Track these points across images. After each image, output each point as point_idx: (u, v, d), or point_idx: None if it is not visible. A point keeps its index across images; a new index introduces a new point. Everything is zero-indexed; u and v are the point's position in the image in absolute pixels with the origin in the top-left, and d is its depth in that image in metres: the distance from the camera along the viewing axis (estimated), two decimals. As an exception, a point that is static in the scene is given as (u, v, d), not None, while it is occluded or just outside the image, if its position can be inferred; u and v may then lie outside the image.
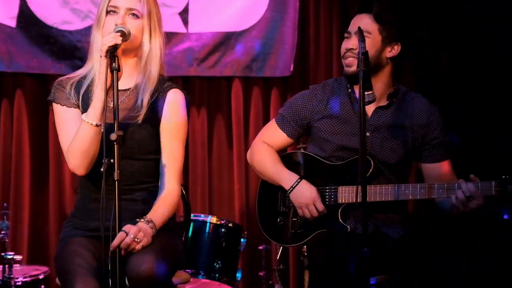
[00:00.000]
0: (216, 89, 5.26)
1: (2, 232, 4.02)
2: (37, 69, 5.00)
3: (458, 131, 4.47)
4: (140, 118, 2.80)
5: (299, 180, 3.26)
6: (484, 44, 4.83)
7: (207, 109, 5.22)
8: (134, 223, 2.65)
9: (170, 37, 5.00)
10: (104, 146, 2.51)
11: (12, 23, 4.93)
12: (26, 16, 4.94)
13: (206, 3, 5.13)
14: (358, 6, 3.28)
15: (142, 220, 2.68)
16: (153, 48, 2.84)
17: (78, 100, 2.82)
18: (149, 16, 2.83)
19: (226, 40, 5.15)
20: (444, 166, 3.30)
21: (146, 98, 2.82)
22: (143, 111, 2.80)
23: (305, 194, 3.21)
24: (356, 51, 3.13)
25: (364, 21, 3.19)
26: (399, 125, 3.26)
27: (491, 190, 2.98)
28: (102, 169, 2.53)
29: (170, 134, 2.86)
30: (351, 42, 3.22)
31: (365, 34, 2.96)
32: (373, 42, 3.17)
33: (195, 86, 5.21)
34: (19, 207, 4.93)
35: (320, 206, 3.18)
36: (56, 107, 2.85)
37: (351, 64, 3.21)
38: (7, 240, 4.04)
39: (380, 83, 3.23)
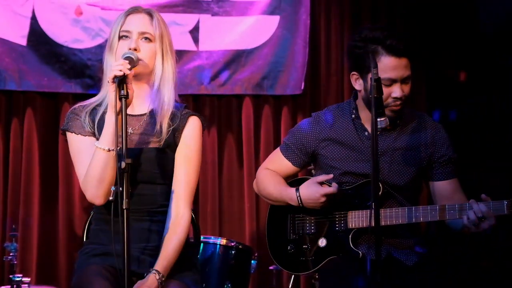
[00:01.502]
0: (226, 107, 5.24)
1: (11, 254, 4.00)
2: (47, 88, 5.00)
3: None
4: (161, 143, 2.79)
5: (297, 191, 3.22)
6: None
7: (218, 127, 5.20)
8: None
9: (180, 56, 4.99)
10: (118, 173, 2.47)
11: (23, 42, 4.94)
12: (36, 34, 4.95)
13: (216, 21, 5.12)
14: (390, 47, 3.08)
15: (152, 272, 2.67)
16: (165, 70, 2.83)
17: (94, 128, 2.80)
18: (161, 39, 2.82)
19: (236, 58, 5.14)
20: (453, 184, 3.27)
21: (165, 123, 2.81)
22: (164, 136, 2.80)
23: (311, 197, 3.18)
24: (404, 98, 3.12)
25: (406, 65, 3.10)
26: (406, 147, 3.23)
27: (503, 210, 2.96)
28: (111, 198, 2.53)
29: (184, 160, 2.85)
30: (399, 90, 3.10)
31: (409, 79, 3.08)
32: (411, 83, 3.15)
33: (205, 104, 5.20)
34: (28, 228, 4.91)
35: (329, 190, 3.14)
36: (71, 136, 2.82)
37: (401, 110, 3.15)
38: (15, 262, 4.02)
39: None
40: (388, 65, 3.06)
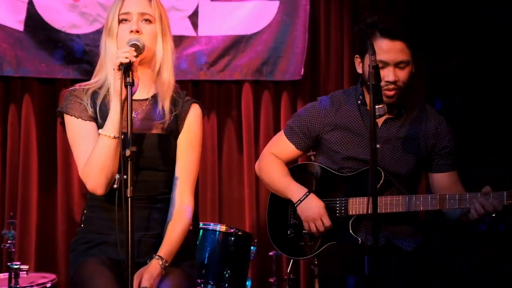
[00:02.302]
0: (226, 93, 5.22)
1: (9, 241, 3.98)
2: (45, 74, 4.96)
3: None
4: (164, 128, 2.76)
5: (307, 193, 3.22)
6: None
7: (217, 113, 5.18)
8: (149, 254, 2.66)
9: (179, 41, 4.98)
10: (122, 161, 2.41)
11: (20, 27, 4.90)
12: (34, 20, 4.91)
13: (216, 7, 5.09)
14: (383, 28, 3.07)
15: (155, 257, 2.65)
16: (166, 52, 2.79)
17: (95, 112, 2.73)
18: (160, 19, 2.78)
19: (236, 44, 5.11)
20: (453, 176, 3.27)
21: (167, 106, 2.78)
22: (167, 120, 2.76)
23: (312, 209, 3.18)
24: (399, 84, 3.09)
25: (401, 50, 3.06)
26: (409, 136, 3.22)
27: (503, 201, 2.95)
28: (115, 186, 2.48)
29: (187, 148, 2.83)
30: (392, 75, 3.07)
31: (405, 64, 3.04)
32: (410, 69, 3.12)
33: (205, 90, 5.17)
34: (27, 215, 4.90)
35: (327, 222, 3.15)
36: (70, 119, 2.73)
37: (394, 95, 3.12)
38: (13, 250, 4.01)
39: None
40: (381, 47, 3.03)
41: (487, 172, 4.79)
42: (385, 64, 3.07)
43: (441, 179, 3.26)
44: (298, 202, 3.22)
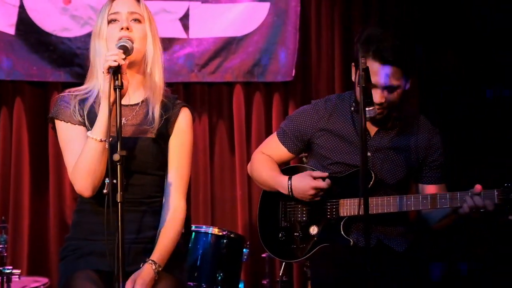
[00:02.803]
0: (217, 94, 5.23)
1: (0, 246, 3.97)
2: (36, 77, 4.97)
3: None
4: (154, 132, 2.75)
5: (289, 180, 3.22)
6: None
7: (208, 115, 5.19)
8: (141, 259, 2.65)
9: (170, 43, 4.99)
10: (109, 166, 2.41)
11: (11, 31, 4.90)
12: (25, 23, 4.91)
13: (206, 8, 5.09)
14: (375, 52, 3.02)
15: (148, 262, 2.64)
16: (156, 53, 2.78)
17: (84, 118, 2.73)
18: (149, 21, 2.78)
19: (227, 46, 5.12)
20: (440, 189, 3.28)
21: (157, 110, 2.77)
22: (156, 125, 2.76)
23: (302, 188, 3.18)
24: (385, 104, 3.07)
25: (392, 74, 3.03)
26: (401, 147, 3.23)
27: (494, 199, 2.97)
28: (105, 191, 2.47)
29: (179, 151, 2.83)
30: (378, 97, 3.04)
31: (394, 88, 3.03)
32: (401, 91, 3.10)
33: (196, 92, 5.18)
34: (19, 218, 4.90)
35: (320, 184, 3.14)
36: (60, 124, 2.74)
37: (380, 114, 3.09)
38: (5, 254, 3.99)
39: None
40: (372, 69, 2.96)
41: (487, 173, 4.81)
42: (374, 85, 3.02)
43: (429, 191, 3.27)
44: (289, 190, 3.22)
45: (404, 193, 3.27)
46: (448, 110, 5.07)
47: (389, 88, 3.07)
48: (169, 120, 2.82)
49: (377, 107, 3.04)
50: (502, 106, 4.97)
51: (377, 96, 3.05)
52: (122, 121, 2.68)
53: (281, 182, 3.26)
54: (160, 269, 2.64)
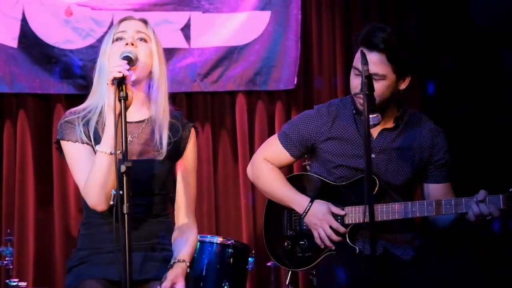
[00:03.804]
0: (219, 104, 5.24)
1: (6, 259, 3.98)
2: (39, 89, 4.99)
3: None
4: (162, 157, 2.75)
5: (311, 203, 3.22)
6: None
7: (211, 124, 5.20)
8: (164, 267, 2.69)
9: (172, 53, 5.00)
10: (117, 177, 2.41)
11: (14, 44, 4.92)
12: (27, 36, 4.93)
13: (207, 18, 5.11)
14: (362, 39, 3.09)
15: (181, 261, 2.69)
16: (162, 74, 2.78)
17: (90, 138, 2.73)
18: (156, 42, 2.79)
19: (228, 55, 5.13)
20: (446, 188, 3.28)
21: (165, 134, 2.77)
22: (164, 149, 2.76)
23: (318, 216, 3.18)
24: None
25: (376, 62, 3.03)
26: (405, 147, 3.23)
27: (499, 204, 2.96)
28: (111, 202, 2.47)
29: (187, 172, 2.88)
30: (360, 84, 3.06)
31: (379, 77, 2.99)
32: (388, 83, 3.09)
33: (198, 101, 5.19)
34: (24, 230, 4.90)
35: (335, 224, 3.15)
36: (67, 144, 2.74)
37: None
38: (11, 267, 4.01)
39: (390, 110, 3.19)
40: (358, 56, 3.00)
41: (488, 174, 4.82)
42: (360, 72, 3.02)
43: (435, 190, 3.27)
44: (304, 214, 3.23)
45: (410, 195, 3.28)
46: (448, 112, 5.08)
47: (374, 76, 2.98)
48: (179, 143, 2.84)
49: (360, 95, 3.03)
50: (502, 106, 4.98)
51: (358, 81, 3.03)
52: (129, 138, 2.70)
53: (298, 201, 3.25)
54: (188, 264, 2.70)
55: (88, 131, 2.74)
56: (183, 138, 2.85)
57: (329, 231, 3.15)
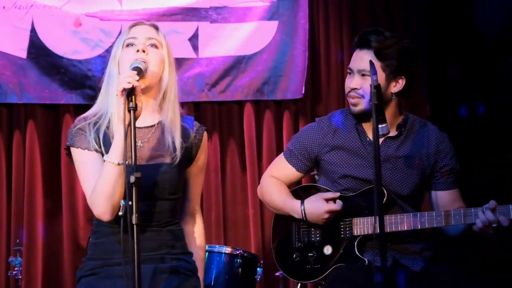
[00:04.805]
0: (227, 113, 5.24)
1: (16, 269, 3.99)
2: (48, 100, 5.00)
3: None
4: (176, 160, 2.75)
5: (302, 204, 3.23)
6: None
7: (219, 134, 5.20)
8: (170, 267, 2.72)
9: (180, 63, 5.01)
10: (127, 188, 2.40)
11: (23, 55, 4.95)
12: (36, 47, 4.96)
13: (215, 28, 5.13)
14: (356, 40, 3.20)
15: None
16: (171, 81, 2.77)
17: (99, 145, 2.71)
18: (167, 48, 2.78)
19: (236, 64, 5.14)
20: (454, 194, 3.27)
21: (177, 139, 2.76)
22: (178, 154, 2.75)
23: (316, 211, 3.18)
24: (360, 91, 3.13)
25: (365, 59, 3.07)
26: (409, 155, 3.22)
27: (509, 215, 2.96)
28: (120, 213, 2.47)
29: (198, 173, 2.90)
30: (354, 81, 3.16)
31: (367, 73, 3.00)
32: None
33: (206, 111, 5.20)
34: (33, 241, 4.91)
35: (333, 207, 3.15)
36: (76, 151, 2.73)
37: (357, 103, 3.17)
38: (20, 277, 4.02)
39: (387, 116, 3.18)
40: (352, 56, 3.17)
41: (488, 174, 4.83)
42: (351, 71, 3.17)
43: (442, 197, 3.26)
44: (303, 215, 3.23)
45: (418, 203, 3.27)
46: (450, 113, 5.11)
47: (363, 73, 3.09)
48: (190, 148, 2.83)
49: (352, 93, 3.16)
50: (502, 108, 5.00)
51: (353, 81, 3.16)
52: (139, 144, 2.70)
53: (294, 207, 3.26)
54: None
55: (99, 138, 2.73)
56: (195, 143, 2.84)
57: (332, 216, 3.17)
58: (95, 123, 2.76)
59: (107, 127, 2.74)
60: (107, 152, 2.65)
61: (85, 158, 2.72)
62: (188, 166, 2.84)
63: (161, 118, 2.80)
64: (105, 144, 2.71)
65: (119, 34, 3.00)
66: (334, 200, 3.19)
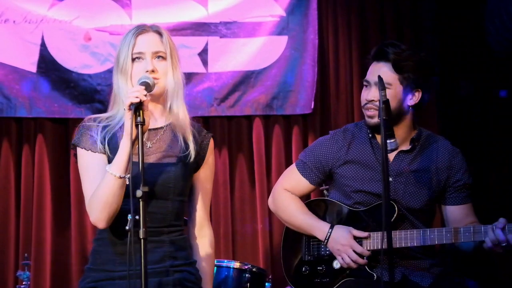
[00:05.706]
0: (236, 128, 5.24)
1: (24, 283, 3.99)
2: (58, 114, 5.02)
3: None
4: (192, 158, 2.77)
5: (331, 229, 3.21)
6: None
7: (228, 149, 5.20)
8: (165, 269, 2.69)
9: (190, 78, 5.01)
10: (132, 202, 2.38)
11: (33, 69, 4.97)
12: (46, 61, 4.98)
13: (225, 43, 5.14)
14: (373, 52, 3.22)
15: None
16: (177, 84, 2.77)
17: (104, 146, 2.72)
18: (171, 55, 2.79)
19: (245, 79, 5.15)
20: (466, 209, 3.27)
21: (189, 138, 2.78)
22: (192, 150, 2.77)
23: (341, 241, 3.17)
24: (377, 103, 3.10)
25: (383, 71, 3.11)
26: (422, 169, 3.22)
27: None
28: (127, 227, 2.42)
29: (205, 181, 2.89)
30: (371, 94, 3.17)
31: (385, 85, 2.94)
32: (394, 93, 3.13)
33: (215, 125, 5.20)
34: (41, 254, 4.90)
35: (358, 248, 3.13)
36: (81, 151, 2.74)
37: (373, 115, 3.17)
38: (28, 291, 4.02)
39: (402, 129, 3.19)
40: (369, 69, 3.20)
41: (488, 174, 4.82)
42: (368, 83, 3.18)
43: (455, 212, 3.25)
44: (326, 240, 3.21)
45: (430, 219, 3.26)
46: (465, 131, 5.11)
47: (380, 83, 3.07)
48: (199, 152, 2.83)
49: (368, 105, 3.18)
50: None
51: (367, 93, 3.18)
52: (148, 144, 2.72)
53: (319, 228, 3.25)
54: None
55: (105, 139, 2.72)
56: (202, 149, 2.85)
57: (354, 256, 3.13)
58: (105, 126, 2.76)
59: (119, 129, 2.74)
60: (111, 156, 2.66)
61: (88, 159, 2.73)
62: (195, 169, 2.84)
63: (171, 120, 2.81)
64: (110, 146, 2.71)
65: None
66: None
